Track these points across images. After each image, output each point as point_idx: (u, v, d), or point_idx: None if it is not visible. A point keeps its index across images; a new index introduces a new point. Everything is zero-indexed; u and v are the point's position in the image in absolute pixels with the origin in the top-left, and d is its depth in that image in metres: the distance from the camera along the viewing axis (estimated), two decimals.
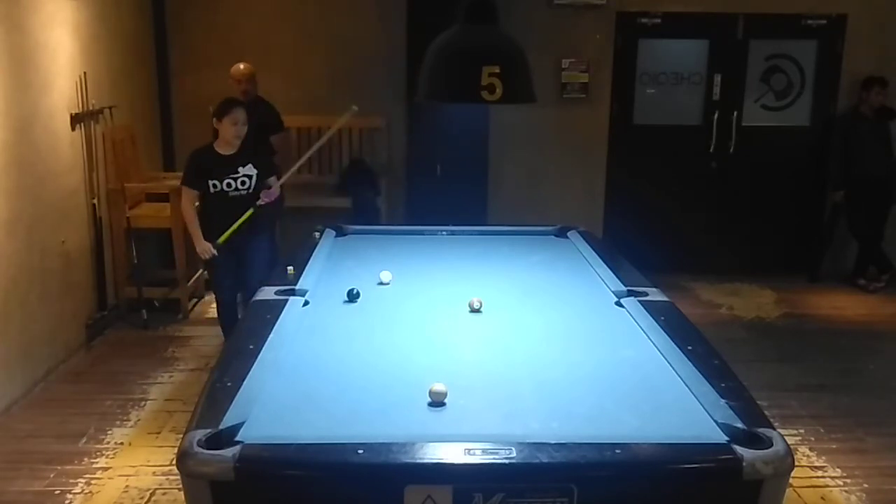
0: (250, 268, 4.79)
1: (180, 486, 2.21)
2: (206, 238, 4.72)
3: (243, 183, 4.72)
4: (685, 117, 7.08)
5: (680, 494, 2.16)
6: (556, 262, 4.20)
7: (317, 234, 3.65)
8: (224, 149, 4.73)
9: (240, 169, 4.71)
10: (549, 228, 4.82)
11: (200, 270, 5.79)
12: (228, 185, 4.68)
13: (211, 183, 4.68)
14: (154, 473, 3.79)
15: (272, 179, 4.85)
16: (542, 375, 2.72)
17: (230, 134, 4.67)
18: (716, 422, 2.31)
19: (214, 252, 4.69)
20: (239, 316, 4.67)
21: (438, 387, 2.45)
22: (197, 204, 4.82)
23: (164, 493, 3.62)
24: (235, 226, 4.68)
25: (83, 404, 4.52)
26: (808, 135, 7.09)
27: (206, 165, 4.71)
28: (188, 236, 5.73)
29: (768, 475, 2.09)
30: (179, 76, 6.58)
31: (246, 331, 3.06)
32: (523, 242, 4.59)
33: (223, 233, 4.68)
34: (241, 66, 5.88)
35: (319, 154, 6.89)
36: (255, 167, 4.75)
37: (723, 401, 2.41)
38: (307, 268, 3.83)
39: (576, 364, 2.82)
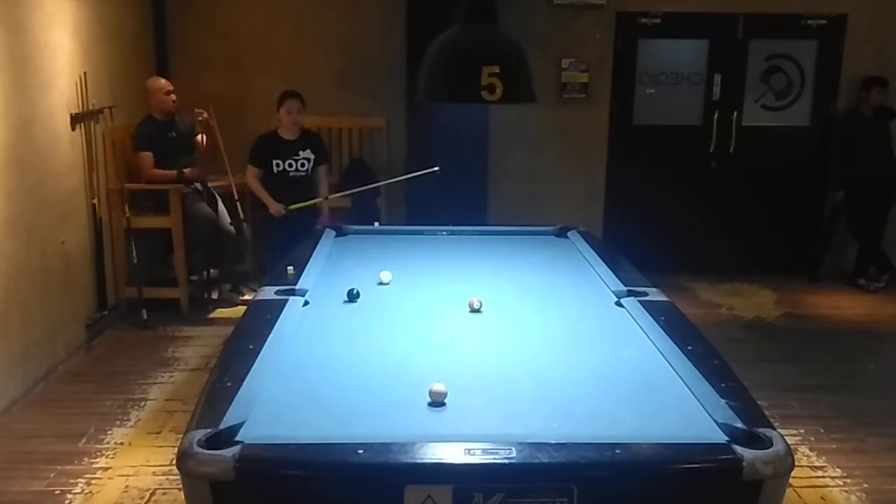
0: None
1: (180, 486, 2.21)
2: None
3: (302, 165, 5.52)
4: (685, 117, 7.09)
5: (680, 494, 2.16)
6: (556, 262, 4.20)
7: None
8: (286, 134, 5.53)
9: (300, 153, 5.53)
10: (549, 228, 4.82)
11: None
12: (290, 165, 5.50)
13: (275, 163, 5.49)
14: (154, 473, 3.78)
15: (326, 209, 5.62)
16: (542, 375, 2.72)
17: (287, 121, 5.49)
18: (716, 422, 2.31)
19: (283, 211, 5.41)
20: None
21: (438, 387, 2.45)
22: None
23: (164, 493, 3.62)
24: (305, 204, 5.41)
25: (83, 404, 4.52)
26: (808, 135, 7.10)
27: (270, 147, 5.51)
28: (187, 236, 5.86)
29: (768, 475, 2.09)
30: (179, 76, 6.57)
31: (246, 331, 3.06)
32: (523, 242, 4.59)
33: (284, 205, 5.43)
34: (161, 78, 6.02)
35: None
36: (312, 152, 5.55)
37: (723, 401, 2.41)
38: (307, 268, 3.83)
39: (576, 364, 2.82)
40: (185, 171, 5.84)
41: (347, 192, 5.82)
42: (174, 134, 5.90)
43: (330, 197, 5.63)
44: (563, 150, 7.01)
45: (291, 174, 5.50)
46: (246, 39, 6.77)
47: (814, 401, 4.67)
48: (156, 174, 5.82)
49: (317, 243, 4.37)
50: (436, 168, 5.47)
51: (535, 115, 6.56)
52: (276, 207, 5.43)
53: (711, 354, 2.81)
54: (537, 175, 6.99)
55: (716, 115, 7.00)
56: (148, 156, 5.80)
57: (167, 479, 3.70)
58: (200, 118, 5.75)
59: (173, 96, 5.88)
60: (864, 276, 6.88)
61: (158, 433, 4.19)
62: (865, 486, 3.79)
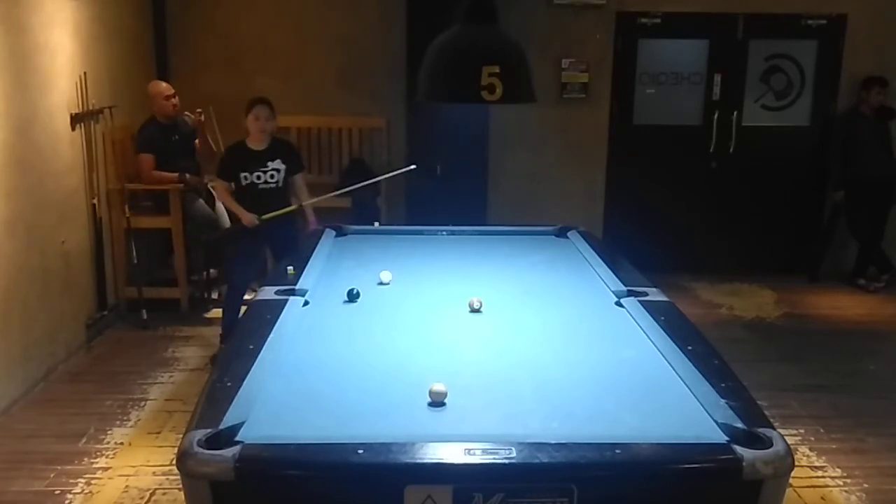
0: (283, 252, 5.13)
1: (180, 486, 2.21)
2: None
3: (272, 176, 5.10)
4: (685, 117, 7.08)
5: (680, 494, 2.16)
6: (556, 262, 4.20)
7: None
8: (254, 144, 5.11)
9: (269, 163, 5.10)
10: (549, 228, 4.82)
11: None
12: (258, 177, 5.07)
13: (242, 175, 5.07)
14: (154, 473, 3.79)
15: (311, 215, 5.27)
16: (542, 375, 2.72)
17: (254, 128, 5.07)
18: (716, 422, 2.31)
19: (256, 221, 5.03)
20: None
21: (438, 387, 2.45)
22: None
23: (164, 493, 3.62)
24: (279, 213, 5.07)
25: (83, 404, 4.53)
26: (808, 135, 7.09)
27: (237, 159, 5.12)
28: (187, 237, 5.86)
29: (768, 475, 2.09)
30: (179, 76, 6.58)
31: (246, 331, 3.06)
32: (523, 242, 4.59)
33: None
34: (162, 83, 5.98)
35: (319, 154, 6.92)
36: (283, 162, 5.14)
37: (723, 401, 2.41)
38: (307, 268, 3.83)
39: (576, 364, 2.82)
40: (188, 176, 5.83)
41: (322, 197, 5.45)
42: (177, 137, 5.91)
43: (305, 203, 5.24)
44: (563, 150, 7.01)
45: (261, 186, 5.09)
46: (246, 39, 6.77)
47: (814, 401, 4.67)
48: (156, 176, 5.82)
49: (317, 243, 4.37)
50: (413, 166, 5.42)
51: (535, 115, 6.56)
52: (248, 218, 5.06)
53: (711, 354, 2.81)
54: (537, 175, 6.99)
55: (716, 115, 7.00)
56: (149, 157, 5.80)
57: (167, 479, 3.70)
58: (196, 118, 5.76)
59: (174, 100, 5.86)
60: (864, 276, 6.88)
61: (158, 433, 4.19)
62: (865, 486, 3.79)
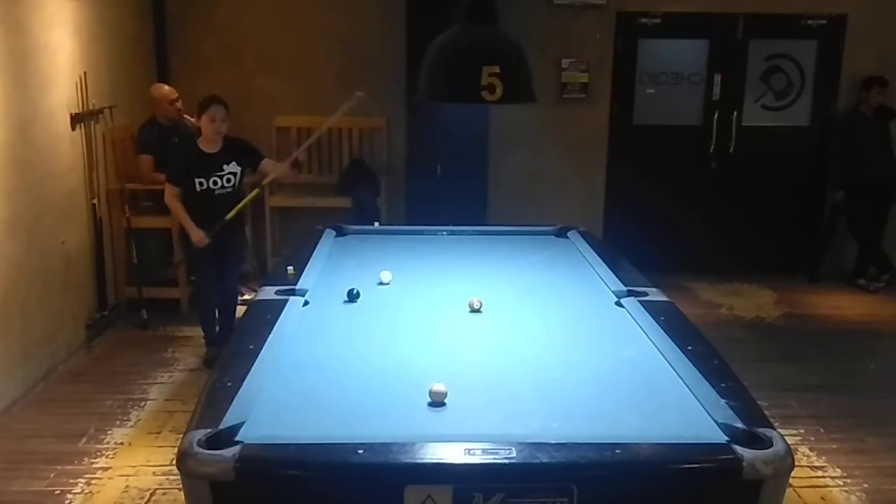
0: (231, 255, 5.07)
1: (180, 486, 2.22)
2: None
3: (228, 181, 4.85)
4: (685, 117, 7.08)
5: (680, 494, 2.17)
6: (556, 262, 4.20)
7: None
8: (207, 146, 4.81)
9: (224, 167, 4.83)
10: (549, 228, 4.82)
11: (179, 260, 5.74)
12: (215, 182, 4.80)
13: (197, 181, 4.78)
14: (154, 473, 3.79)
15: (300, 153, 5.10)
16: (542, 375, 2.72)
17: (209, 130, 4.75)
18: (716, 422, 2.31)
19: (208, 240, 4.77)
20: (216, 306, 5.11)
21: (438, 387, 2.45)
22: None
23: (164, 493, 3.62)
24: (231, 214, 4.81)
25: (83, 404, 4.53)
26: (808, 135, 7.09)
27: (191, 163, 4.80)
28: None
29: (768, 475, 2.09)
30: (179, 76, 6.58)
31: (246, 331, 3.06)
32: (523, 242, 4.59)
33: (207, 227, 4.79)
34: (165, 86, 5.97)
35: (319, 154, 6.91)
36: (238, 164, 4.88)
37: (723, 401, 2.41)
38: (307, 268, 3.83)
39: (576, 364, 2.82)
40: None
41: (301, 149, 5.27)
42: (177, 140, 5.90)
43: (264, 182, 5.01)
44: (563, 150, 7.01)
45: (217, 192, 4.80)
46: (246, 39, 6.77)
47: (814, 401, 4.67)
48: (156, 177, 5.82)
49: (317, 243, 4.37)
50: (360, 94, 5.01)
51: (535, 115, 6.56)
52: (198, 236, 4.75)
53: (711, 354, 2.81)
54: (537, 175, 6.99)
55: (716, 115, 6.99)
56: (148, 158, 5.79)
57: (167, 479, 3.70)
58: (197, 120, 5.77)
59: (178, 104, 5.85)
60: (864, 276, 6.88)
61: (158, 433, 4.19)
62: (865, 486, 3.79)
